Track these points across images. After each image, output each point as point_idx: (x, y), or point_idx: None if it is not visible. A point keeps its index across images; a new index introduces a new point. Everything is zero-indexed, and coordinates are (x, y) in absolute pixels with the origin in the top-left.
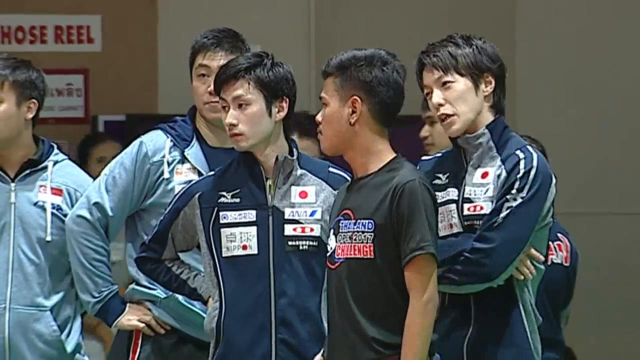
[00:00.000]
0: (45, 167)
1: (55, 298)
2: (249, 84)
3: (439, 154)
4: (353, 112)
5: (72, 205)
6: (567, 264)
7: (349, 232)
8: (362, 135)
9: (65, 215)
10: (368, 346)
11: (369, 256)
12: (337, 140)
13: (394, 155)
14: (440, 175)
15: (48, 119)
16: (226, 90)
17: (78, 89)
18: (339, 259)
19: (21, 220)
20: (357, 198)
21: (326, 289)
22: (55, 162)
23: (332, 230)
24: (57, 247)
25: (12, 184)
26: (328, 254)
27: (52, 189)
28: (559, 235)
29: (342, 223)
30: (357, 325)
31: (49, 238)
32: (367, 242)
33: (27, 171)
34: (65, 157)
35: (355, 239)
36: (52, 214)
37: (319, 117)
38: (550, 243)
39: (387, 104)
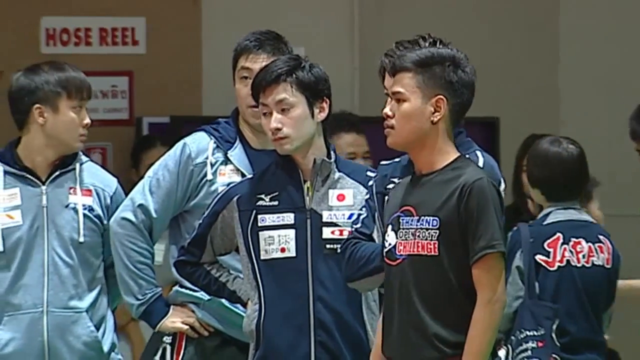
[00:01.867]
0: (73, 169)
1: (89, 299)
2: (291, 86)
3: (397, 159)
4: (436, 111)
5: (101, 205)
6: (609, 266)
7: (411, 228)
8: (438, 134)
9: (96, 216)
10: (430, 344)
11: (433, 253)
12: (413, 137)
13: (458, 154)
14: (395, 180)
15: (92, 121)
16: (268, 95)
17: (122, 91)
18: (401, 255)
19: (54, 223)
20: (420, 195)
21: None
22: (81, 164)
23: (390, 226)
24: (89, 247)
25: (43, 187)
26: (386, 249)
27: (82, 190)
28: (600, 237)
29: (402, 219)
30: (420, 323)
31: (82, 239)
32: (431, 239)
33: (57, 173)
34: (88, 158)
35: (418, 236)
36: (84, 215)
37: (388, 111)
38: (591, 245)
39: (464, 105)
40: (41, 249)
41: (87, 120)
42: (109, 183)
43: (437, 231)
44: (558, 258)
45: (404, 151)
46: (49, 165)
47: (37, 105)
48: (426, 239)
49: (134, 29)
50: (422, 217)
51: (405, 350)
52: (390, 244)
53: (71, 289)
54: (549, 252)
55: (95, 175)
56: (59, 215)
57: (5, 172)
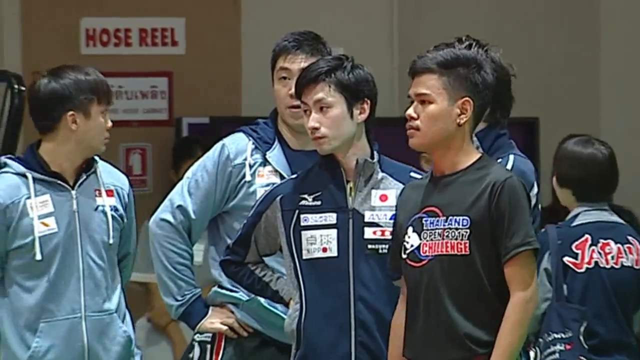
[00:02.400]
0: (95, 171)
1: (115, 298)
2: (329, 87)
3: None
4: (462, 113)
5: (122, 204)
6: (638, 267)
7: (437, 229)
8: (463, 136)
9: (120, 215)
10: (460, 344)
11: (464, 252)
12: (438, 138)
13: (480, 154)
14: None
15: (132, 122)
16: (307, 94)
17: (162, 92)
18: (426, 256)
19: (86, 227)
20: (445, 195)
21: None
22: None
23: (410, 228)
24: (115, 248)
25: (73, 192)
26: (407, 251)
27: (105, 191)
28: (629, 238)
29: (425, 220)
30: (450, 323)
31: (111, 241)
32: (462, 239)
33: (84, 177)
34: (97, 157)
35: (447, 236)
36: (112, 216)
37: (412, 113)
38: (620, 246)
39: (486, 107)
40: (76, 254)
41: (110, 124)
42: (124, 180)
43: (468, 230)
44: (586, 260)
45: (426, 152)
46: (76, 170)
47: (71, 112)
48: (456, 239)
49: (173, 30)
50: (451, 217)
51: (433, 351)
52: (412, 245)
53: (104, 291)
54: (577, 254)
55: (112, 175)
56: (90, 218)
57: (35, 179)
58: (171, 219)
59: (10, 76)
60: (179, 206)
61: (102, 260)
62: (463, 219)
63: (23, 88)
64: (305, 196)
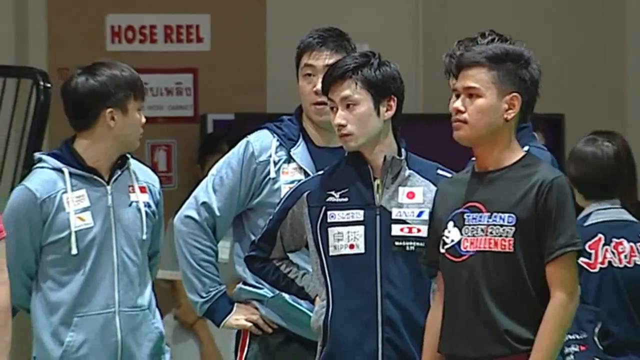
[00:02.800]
0: (128, 168)
1: (147, 294)
2: (356, 84)
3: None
4: (510, 108)
5: (154, 201)
6: None
7: (480, 225)
8: (509, 131)
9: (152, 212)
10: (500, 340)
11: (507, 250)
12: (485, 132)
13: (524, 152)
14: None
15: (157, 118)
16: (334, 90)
17: (187, 88)
18: (467, 251)
19: (121, 222)
20: (489, 191)
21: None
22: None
23: (451, 223)
24: (148, 244)
25: (108, 187)
26: (447, 246)
27: (139, 187)
28: None
29: (467, 216)
30: (491, 319)
31: (144, 237)
32: (506, 236)
33: (119, 173)
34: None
35: (491, 233)
36: (145, 212)
37: (460, 106)
38: (633, 244)
39: (532, 103)
40: (111, 249)
41: (144, 120)
42: (155, 178)
43: (513, 228)
44: (599, 260)
45: (471, 146)
46: (111, 166)
47: (110, 109)
48: (500, 236)
49: (198, 26)
50: (495, 214)
51: (473, 346)
52: (452, 240)
53: (137, 287)
54: (590, 254)
55: (144, 172)
56: (124, 214)
57: (71, 174)
58: (196, 216)
59: (36, 73)
60: (204, 203)
61: (136, 256)
62: (508, 216)
63: (49, 85)
64: (332, 193)
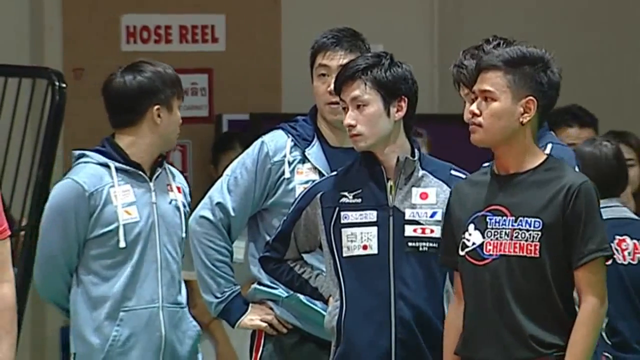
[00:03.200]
0: (165, 167)
1: (184, 292)
2: (365, 84)
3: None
4: (525, 112)
5: (186, 202)
6: None
7: (505, 229)
8: (526, 134)
9: (186, 212)
10: (524, 344)
11: (533, 255)
12: (500, 136)
13: (546, 155)
14: None
15: None
16: (345, 91)
17: (202, 89)
18: (490, 255)
19: (163, 219)
20: (513, 195)
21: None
22: None
23: (472, 225)
24: (184, 243)
25: (151, 184)
26: (468, 249)
27: (176, 187)
28: None
29: (490, 219)
30: (515, 323)
31: (184, 235)
32: (532, 241)
33: (160, 171)
34: None
35: (516, 237)
36: (183, 211)
37: (475, 109)
38: (637, 241)
39: (551, 107)
40: (155, 245)
41: (181, 120)
42: (184, 181)
43: (540, 233)
44: None
45: (485, 148)
46: (152, 163)
47: (157, 106)
48: (526, 240)
49: (213, 27)
50: (521, 218)
51: (497, 350)
52: (474, 243)
53: (177, 284)
54: None
55: (176, 173)
56: (166, 212)
57: (117, 169)
58: (210, 216)
59: (51, 73)
60: (218, 203)
61: (176, 253)
62: (535, 221)
63: (64, 85)
64: (346, 193)
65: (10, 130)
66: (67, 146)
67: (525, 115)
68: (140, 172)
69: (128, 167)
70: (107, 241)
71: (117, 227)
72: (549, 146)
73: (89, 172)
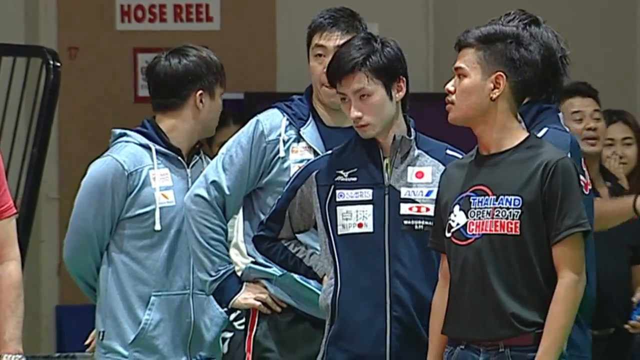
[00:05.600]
0: (201, 156)
1: None
2: (366, 75)
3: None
4: (495, 87)
5: None
6: None
7: (487, 208)
8: (500, 112)
9: None
10: (506, 322)
11: (514, 232)
12: (472, 112)
13: (528, 134)
14: None
15: None
16: (345, 85)
17: None
18: (473, 234)
19: None
20: (494, 174)
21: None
22: None
23: (457, 206)
24: None
25: (188, 170)
26: (453, 229)
27: None
28: None
29: (474, 199)
30: (497, 302)
31: None
32: (513, 219)
33: (197, 158)
34: None
35: (498, 215)
36: None
37: (450, 87)
38: None
39: (528, 84)
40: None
41: (222, 108)
42: None
43: (520, 210)
44: None
45: (466, 127)
46: (190, 149)
47: (201, 91)
48: (507, 218)
49: (208, 5)
50: (502, 197)
51: (479, 329)
52: (458, 224)
53: None
54: None
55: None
56: None
57: (157, 152)
58: (205, 195)
59: (46, 52)
60: (213, 182)
61: None
62: (515, 199)
63: (58, 64)
64: (341, 172)
65: (5, 109)
66: (61, 125)
67: (495, 90)
68: (179, 158)
69: (168, 151)
70: (143, 222)
71: (154, 210)
72: (544, 130)
73: (130, 152)
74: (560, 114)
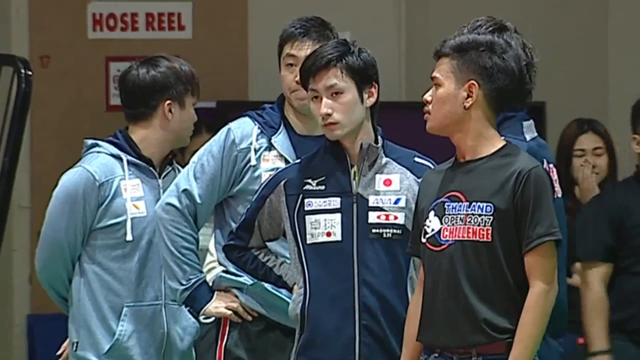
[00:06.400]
0: (173, 166)
1: None
2: (341, 72)
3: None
4: (469, 96)
5: None
6: None
7: (459, 214)
8: (475, 120)
9: None
10: (478, 329)
11: (485, 239)
12: (447, 121)
13: (505, 142)
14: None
15: None
16: (318, 81)
17: None
18: (446, 240)
19: None
20: (468, 181)
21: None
22: None
23: (432, 212)
24: None
25: (160, 181)
26: (428, 235)
27: None
28: None
29: (448, 205)
30: (469, 308)
31: None
32: (484, 225)
33: (169, 168)
34: None
35: (469, 222)
36: None
37: (427, 97)
38: None
39: (503, 91)
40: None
41: (196, 117)
42: None
43: (491, 217)
44: None
45: (443, 136)
46: (163, 160)
47: (169, 101)
48: (479, 225)
49: (180, 14)
50: (474, 203)
51: (452, 335)
52: (433, 230)
53: None
54: None
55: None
56: None
57: (128, 162)
58: (177, 203)
59: (18, 60)
60: (185, 190)
61: None
62: (487, 205)
63: (30, 72)
64: (310, 180)
65: None
66: (33, 134)
67: (469, 99)
68: (151, 168)
69: (139, 162)
70: (114, 233)
71: (125, 220)
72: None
73: (101, 162)
74: (525, 122)
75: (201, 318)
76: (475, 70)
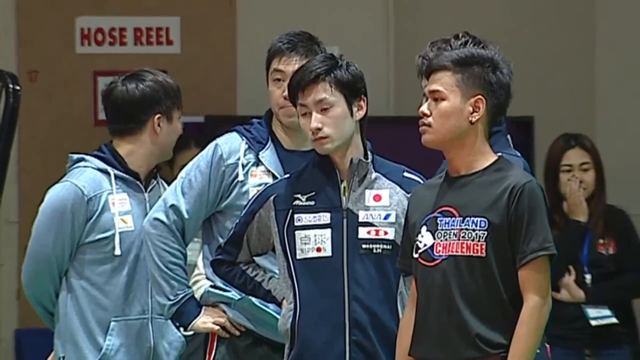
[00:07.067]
0: (158, 180)
1: None
2: (330, 86)
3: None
4: (474, 111)
5: None
6: None
7: (453, 229)
8: (476, 135)
9: None
10: (472, 344)
11: (480, 254)
12: (450, 135)
13: (497, 156)
14: None
15: None
16: (307, 95)
17: None
18: (440, 255)
19: None
20: (461, 196)
21: (406, 288)
22: None
23: (424, 227)
24: None
25: (146, 194)
26: (420, 250)
27: None
28: None
29: (440, 220)
30: (462, 323)
31: None
32: (479, 240)
33: (154, 182)
34: None
35: (464, 237)
36: None
37: (425, 110)
38: None
39: (501, 107)
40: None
41: (181, 131)
42: None
43: (485, 232)
44: None
45: (439, 150)
46: (148, 174)
47: (159, 116)
48: (473, 240)
49: (168, 29)
50: (468, 218)
51: (444, 350)
52: (425, 245)
53: None
54: None
55: (167, 187)
56: None
57: (115, 176)
58: (164, 219)
59: (6, 75)
60: (172, 205)
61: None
62: (481, 220)
63: (18, 87)
64: (299, 196)
65: None
66: (21, 149)
67: (475, 114)
68: (137, 182)
69: (126, 176)
70: (103, 247)
71: (114, 235)
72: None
73: (89, 177)
74: (509, 136)
75: (182, 331)
76: (480, 85)
